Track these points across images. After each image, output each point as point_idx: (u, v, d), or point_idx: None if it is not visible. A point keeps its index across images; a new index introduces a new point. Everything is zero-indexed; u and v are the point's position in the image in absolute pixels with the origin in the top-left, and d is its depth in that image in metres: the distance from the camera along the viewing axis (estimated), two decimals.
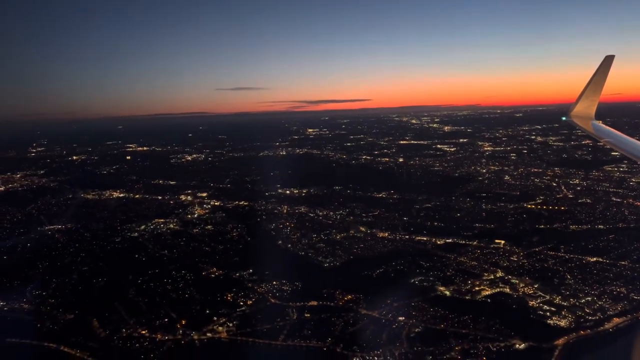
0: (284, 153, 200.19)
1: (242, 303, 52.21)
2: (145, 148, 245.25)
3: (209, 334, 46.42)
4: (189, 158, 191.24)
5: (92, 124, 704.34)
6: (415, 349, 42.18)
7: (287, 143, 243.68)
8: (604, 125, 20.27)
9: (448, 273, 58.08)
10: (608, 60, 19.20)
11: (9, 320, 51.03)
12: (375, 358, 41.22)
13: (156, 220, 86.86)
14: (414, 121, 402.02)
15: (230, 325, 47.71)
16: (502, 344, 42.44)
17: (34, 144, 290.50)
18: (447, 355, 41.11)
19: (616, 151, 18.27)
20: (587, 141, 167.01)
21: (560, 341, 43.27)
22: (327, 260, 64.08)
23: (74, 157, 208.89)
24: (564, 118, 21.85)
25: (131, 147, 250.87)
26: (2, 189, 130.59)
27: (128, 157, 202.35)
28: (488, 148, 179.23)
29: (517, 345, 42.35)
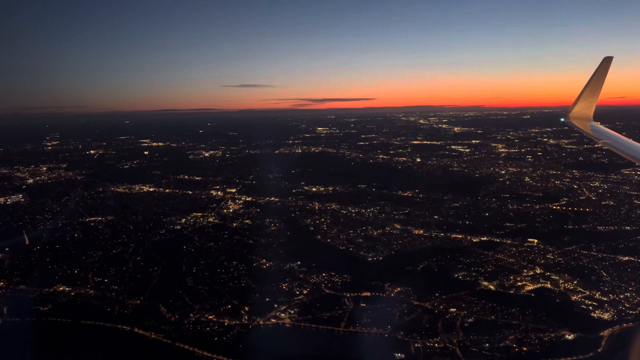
0: (300, 151, 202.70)
1: (298, 292, 55.13)
2: (160, 144, 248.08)
3: (273, 320, 49.38)
4: (206, 154, 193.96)
5: (98, 119, 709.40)
6: (471, 337, 45.16)
7: (300, 141, 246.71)
8: (602, 127, 20.53)
9: (489, 269, 60.96)
10: (606, 62, 19.15)
11: (79, 304, 54.07)
12: (436, 344, 44.19)
13: (194, 214, 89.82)
14: (421, 121, 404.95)
15: (292, 312, 50.66)
16: (553, 334, 45.36)
17: (47, 138, 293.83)
18: (502, 344, 44.06)
19: (614, 152, 18.16)
20: (600, 144, 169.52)
21: (606, 332, 46.12)
22: (370, 255, 66.95)
23: (92, 152, 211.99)
24: (562, 119, 22.04)
25: (145, 143, 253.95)
26: (31, 181, 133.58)
27: (146, 152, 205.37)
28: (502, 150, 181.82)
29: (567, 336, 45.26)
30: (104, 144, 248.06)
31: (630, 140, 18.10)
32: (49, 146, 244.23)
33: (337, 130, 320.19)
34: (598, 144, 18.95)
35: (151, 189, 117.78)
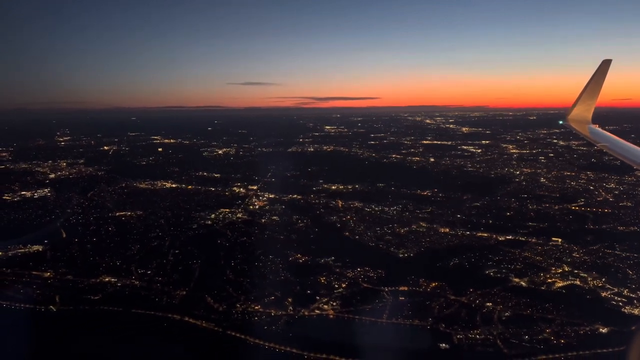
0: (312, 149, 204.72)
1: (337, 285, 57.33)
2: (171, 140, 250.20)
3: (317, 311, 51.61)
4: (220, 152, 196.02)
5: (104, 115, 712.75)
6: (510, 330, 47.34)
7: (310, 139, 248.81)
8: (600, 130, 20.63)
9: (518, 266, 63.05)
10: (605, 65, 19.20)
11: (127, 294, 56.31)
12: (477, 336, 46.38)
13: (221, 210, 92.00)
14: (428, 121, 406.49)
15: (334, 304, 52.88)
16: (588, 328, 47.50)
17: (58, 133, 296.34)
18: (541, 336, 46.24)
19: (612, 155, 18.11)
20: (599, 147, 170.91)
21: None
22: (401, 251, 69.10)
23: (105, 147, 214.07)
24: (560, 122, 21.92)
25: (157, 139, 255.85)
26: (52, 176, 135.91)
27: (160, 149, 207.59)
28: (514, 150, 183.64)
29: (601, 329, 47.42)
30: (116, 140, 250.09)
31: (628, 144, 18.42)
32: (62, 142, 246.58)
33: (346, 129, 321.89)
34: (596, 146, 19.32)
35: (174, 185, 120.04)
